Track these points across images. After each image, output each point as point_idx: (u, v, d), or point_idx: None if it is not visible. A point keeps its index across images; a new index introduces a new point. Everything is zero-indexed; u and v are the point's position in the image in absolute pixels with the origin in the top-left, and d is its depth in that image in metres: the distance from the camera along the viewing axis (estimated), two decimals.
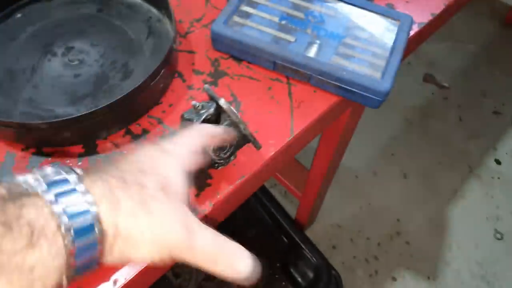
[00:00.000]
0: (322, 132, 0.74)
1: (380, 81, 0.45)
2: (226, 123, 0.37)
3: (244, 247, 0.27)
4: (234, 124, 0.37)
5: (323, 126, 0.53)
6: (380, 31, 0.51)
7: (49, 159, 0.40)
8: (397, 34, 0.50)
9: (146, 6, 0.52)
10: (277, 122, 0.45)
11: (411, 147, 1.42)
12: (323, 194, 0.98)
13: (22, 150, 0.41)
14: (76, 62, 0.46)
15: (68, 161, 0.40)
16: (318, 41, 0.48)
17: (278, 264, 1.00)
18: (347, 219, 1.26)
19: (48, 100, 0.43)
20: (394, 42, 0.49)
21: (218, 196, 0.40)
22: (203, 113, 0.37)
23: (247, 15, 0.50)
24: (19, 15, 0.49)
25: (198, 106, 0.37)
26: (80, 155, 0.41)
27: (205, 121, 0.37)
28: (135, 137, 0.43)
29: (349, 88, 0.46)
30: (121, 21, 0.50)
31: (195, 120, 0.36)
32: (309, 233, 1.20)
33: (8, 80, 0.44)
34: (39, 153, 0.41)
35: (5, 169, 0.40)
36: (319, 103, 0.47)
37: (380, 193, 1.32)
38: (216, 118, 0.38)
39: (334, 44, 0.48)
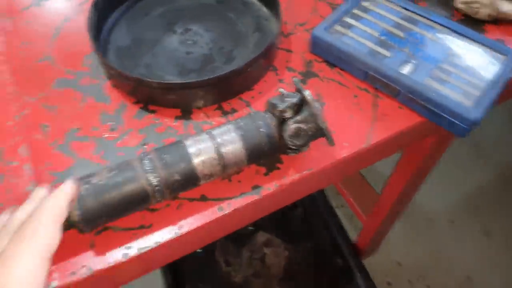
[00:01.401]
0: (400, 157, 0.73)
1: (471, 108, 0.45)
2: (305, 114, 0.40)
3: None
4: (313, 116, 0.40)
5: (401, 145, 0.53)
6: (482, 62, 0.50)
7: (152, 115, 0.48)
8: (501, 69, 0.49)
9: (258, 4, 0.58)
10: (356, 128, 0.47)
11: (500, 205, 1.30)
12: (389, 224, 0.95)
13: (133, 103, 0.49)
14: (190, 42, 0.54)
15: (163, 121, 0.47)
16: (414, 61, 0.49)
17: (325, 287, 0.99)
18: (410, 259, 1.19)
19: (161, 68, 0.51)
20: (495, 76, 0.48)
21: (284, 180, 0.43)
22: (288, 100, 0.40)
23: (349, 26, 0.53)
24: None
25: (284, 94, 0.41)
26: (177, 117, 0.48)
27: (287, 109, 0.40)
28: (225, 112, 0.48)
29: (437, 110, 0.46)
30: (234, 15, 0.57)
31: (278, 106, 0.40)
32: (366, 262, 1.16)
33: (135, 46, 0.53)
34: (145, 108, 0.48)
35: (117, 114, 0.48)
36: (402, 120, 0.48)
37: (454, 243, 1.22)
38: (297, 108, 0.41)
39: (429, 67, 0.49)
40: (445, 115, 0.46)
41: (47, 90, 0.50)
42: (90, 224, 0.36)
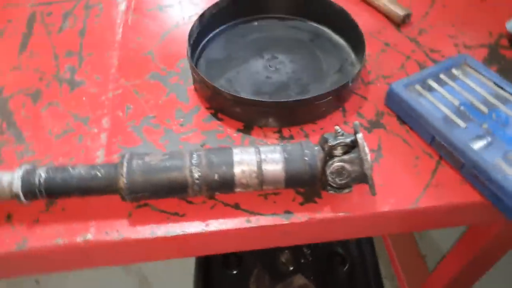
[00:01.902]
0: (461, 236, 0.67)
1: None
2: (353, 155, 0.41)
3: None
4: (360, 160, 0.40)
5: (455, 222, 0.50)
6: None
7: (218, 122, 0.52)
8: None
9: (348, 49, 0.60)
10: (407, 187, 0.46)
11: None
12: None
13: (206, 108, 0.54)
14: (272, 68, 0.58)
15: (226, 130, 0.51)
16: (489, 138, 0.47)
17: None
18: None
19: (240, 85, 0.56)
20: None
21: (317, 214, 0.44)
22: (340, 139, 0.42)
23: (429, 88, 0.53)
24: (255, 23, 0.64)
25: (339, 132, 0.42)
26: (239, 130, 0.52)
27: (337, 146, 0.41)
28: (282, 137, 0.51)
29: (500, 194, 0.43)
30: (322, 53, 0.60)
31: (329, 141, 0.42)
32: None
33: (224, 61, 0.59)
34: (215, 115, 0.53)
35: (190, 114, 0.53)
36: (460, 195, 0.45)
37: None
38: (348, 149, 0.42)
39: (505, 149, 0.46)
40: (507, 202, 0.42)
41: (141, 79, 0.58)
42: (131, 194, 0.41)
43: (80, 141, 0.51)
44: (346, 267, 0.94)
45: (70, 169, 0.42)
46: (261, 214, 0.44)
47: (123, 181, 0.41)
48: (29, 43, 0.64)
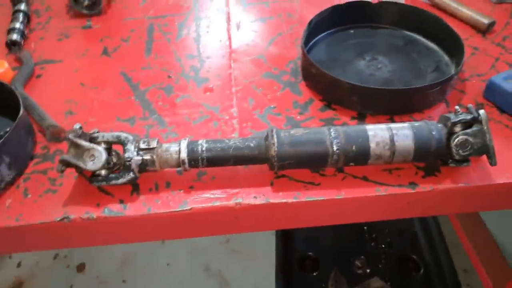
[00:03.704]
0: None
1: None
2: (475, 129, 0.48)
3: None
4: (482, 133, 0.47)
5: None
6: None
7: (333, 111, 0.61)
8: None
9: (441, 53, 0.69)
10: None
11: None
12: None
13: (320, 100, 0.63)
14: (374, 67, 0.67)
15: (341, 117, 0.60)
16: None
17: None
18: None
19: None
20: None
21: (439, 186, 0.50)
22: (461, 117, 0.49)
23: None
24: (352, 31, 0.74)
25: (458, 111, 0.50)
26: (353, 117, 0.60)
27: (459, 123, 0.49)
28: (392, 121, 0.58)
29: None
30: (417, 56, 0.69)
31: (452, 119, 0.49)
32: None
33: (329, 62, 0.68)
34: (329, 106, 0.62)
35: (306, 105, 0.62)
36: None
37: None
38: (466, 125, 0.49)
39: None
40: None
41: (257, 77, 0.68)
42: (280, 161, 0.49)
43: (215, 126, 0.60)
44: (421, 271, 0.98)
45: (226, 140, 0.51)
46: (388, 185, 0.51)
47: (274, 150, 0.49)
48: (153, 48, 0.75)
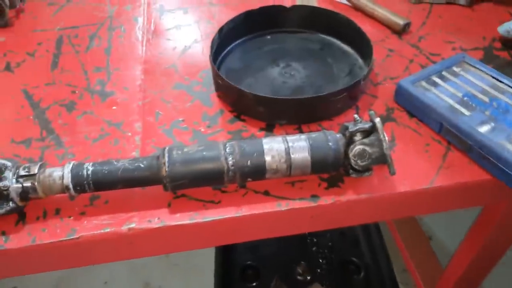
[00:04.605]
0: (470, 228, 0.72)
1: None
2: (372, 138, 0.47)
3: None
4: (379, 141, 0.46)
5: (466, 202, 0.55)
6: None
7: (242, 123, 0.58)
8: None
9: (355, 56, 0.68)
10: (421, 170, 0.52)
11: None
12: None
13: (229, 111, 0.60)
14: (287, 75, 0.65)
15: (250, 129, 0.57)
16: (493, 124, 0.53)
17: None
18: None
19: (259, 90, 0.62)
20: None
21: (341, 197, 0.49)
22: (359, 125, 0.48)
23: (434, 84, 0.59)
24: (268, 37, 0.72)
25: (357, 120, 0.48)
26: (261, 129, 0.57)
27: (357, 132, 0.47)
28: (301, 133, 0.56)
29: (508, 170, 0.48)
30: (332, 60, 0.67)
31: (349, 128, 0.48)
32: None
33: (242, 70, 0.66)
34: (238, 117, 0.59)
35: (215, 117, 0.59)
36: (470, 174, 0.51)
37: None
38: (366, 135, 0.48)
39: (508, 131, 0.52)
40: None
41: (167, 89, 0.65)
42: (173, 182, 0.46)
43: (116, 144, 0.56)
44: (362, 274, 0.97)
45: (115, 161, 0.47)
46: (290, 199, 0.49)
47: (165, 170, 0.46)
48: (60, 62, 0.70)
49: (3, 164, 0.47)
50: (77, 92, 0.65)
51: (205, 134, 0.57)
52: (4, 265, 0.49)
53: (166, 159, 0.46)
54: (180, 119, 0.60)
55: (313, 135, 0.49)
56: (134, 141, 0.57)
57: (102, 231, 0.47)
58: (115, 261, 0.52)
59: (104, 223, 0.47)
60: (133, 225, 0.47)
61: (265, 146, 0.47)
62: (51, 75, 0.68)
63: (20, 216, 0.48)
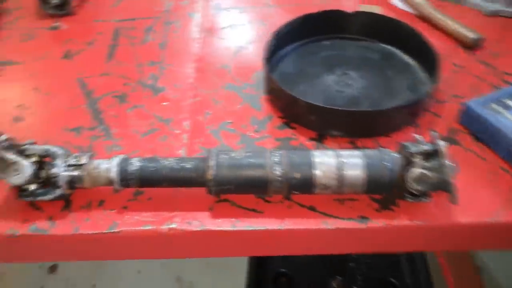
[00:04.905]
0: None
1: None
2: (434, 162, 0.43)
3: None
4: (442, 167, 0.42)
5: None
6: None
7: (291, 130, 0.56)
8: None
9: (418, 69, 0.64)
10: (485, 202, 0.47)
11: None
12: None
13: (279, 117, 0.58)
14: (343, 84, 0.62)
15: (299, 138, 0.55)
16: None
17: None
18: None
19: (312, 97, 0.60)
20: None
21: (393, 222, 0.45)
22: (420, 146, 0.44)
23: (506, 107, 0.54)
24: (326, 42, 0.69)
25: (419, 140, 0.45)
26: (311, 139, 0.55)
27: (417, 153, 0.44)
28: (355, 147, 0.54)
29: None
30: (392, 72, 0.64)
31: (410, 149, 0.44)
32: None
33: (296, 75, 0.64)
34: (288, 124, 0.57)
35: (264, 122, 0.58)
36: None
37: None
38: (427, 157, 0.44)
39: None
40: None
41: (218, 89, 0.64)
42: (217, 186, 0.45)
43: (163, 140, 0.56)
44: None
45: (161, 160, 0.47)
46: (337, 217, 0.46)
47: (211, 173, 0.45)
48: (115, 53, 0.72)
49: (55, 152, 0.48)
50: (129, 84, 0.65)
51: (253, 139, 0.56)
52: (45, 249, 0.50)
53: (213, 162, 0.45)
54: (229, 121, 0.59)
55: (369, 152, 0.46)
56: (181, 139, 0.56)
57: (142, 227, 0.46)
58: (150, 258, 0.52)
59: (145, 219, 0.47)
60: (174, 226, 0.46)
61: (316, 159, 0.45)
62: (106, 66, 0.69)
63: (66, 203, 0.49)
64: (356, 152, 0.46)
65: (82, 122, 0.59)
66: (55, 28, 0.79)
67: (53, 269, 1.16)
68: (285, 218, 0.47)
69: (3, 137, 0.47)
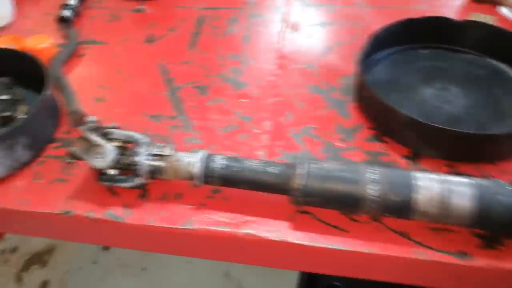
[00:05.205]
0: None
1: None
2: None
3: None
4: None
5: None
6: None
7: (382, 144, 0.52)
8: None
9: None
10: None
11: None
12: None
13: (369, 128, 0.54)
14: (443, 99, 0.57)
15: (391, 154, 0.51)
16: None
17: None
18: None
19: (406, 110, 0.55)
20: None
21: (498, 263, 0.40)
22: None
23: None
24: (426, 51, 0.64)
25: None
26: (404, 156, 0.51)
27: None
28: (455, 172, 0.48)
29: None
30: (503, 92, 0.57)
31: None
32: None
33: (390, 84, 0.59)
34: (379, 137, 0.53)
35: (351, 131, 0.54)
36: None
37: None
38: None
39: None
40: None
41: (301, 90, 0.61)
42: (305, 196, 0.42)
43: (243, 138, 0.54)
44: None
45: (245, 160, 0.45)
46: (431, 248, 0.42)
47: (299, 182, 0.42)
48: (198, 42, 0.71)
49: (139, 139, 0.47)
50: (210, 76, 0.64)
51: (338, 149, 0.52)
52: (115, 235, 0.49)
53: (303, 171, 0.42)
54: (312, 126, 0.55)
55: (480, 181, 0.41)
56: (261, 139, 0.54)
57: (218, 228, 0.44)
58: (218, 260, 0.50)
59: (222, 220, 0.45)
60: (251, 231, 0.44)
61: (419, 183, 0.41)
62: (187, 54, 0.68)
63: (143, 192, 0.48)
64: (465, 180, 0.41)
65: (162, 109, 0.59)
66: (139, 10, 0.79)
67: (106, 246, 1.20)
68: (373, 242, 0.43)
69: (93, 118, 0.47)
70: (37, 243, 1.21)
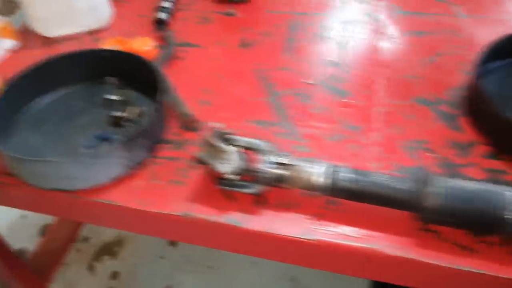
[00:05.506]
0: None
1: None
2: None
3: None
4: None
5: None
6: None
7: (501, 162, 0.51)
8: None
9: None
10: None
11: None
12: None
13: (484, 143, 0.53)
14: None
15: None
16: None
17: None
18: None
19: None
20: None
21: None
22: None
23: None
24: None
25: None
26: None
27: None
28: None
29: None
30: None
31: None
32: None
33: (505, 99, 0.57)
34: (496, 154, 0.52)
35: (466, 146, 0.53)
36: None
37: None
38: None
39: None
40: None
41: (408, 101, 0.60)
42: (437, 216, 0.42)
43: (352, 149, 0.54)
44: None
45: (374, 174, 0.45)
46: None
47: (433, 202, 0.41)
48: (293, 48, 0.71)
49: (259, 146, 0.48)
50: (311, 83, 0.64)
51: (455, 164, 0.51)
52: (233, 239, 0.51)
53: (439, 190, 0.42)
54: (424, 139, 0.54)
55: None
56: (372, 151, 0.54)
57: (342, 242, 0.45)
58: (331, 271, 0.51)
59: (345, 233, 0.45)
60: (377, 247, 0.44)
61: None
62: (284, 60, 0.69)
63: (260, 199, 0.49)
64: None
65: (264, 115, 0.59)
66: (230, 14, 0.80)
67: (174, 242, 1.22)
68: (505, 265, 0.42)
69: (221, 125, 0.48)
70: (107, 234, 1.26)
